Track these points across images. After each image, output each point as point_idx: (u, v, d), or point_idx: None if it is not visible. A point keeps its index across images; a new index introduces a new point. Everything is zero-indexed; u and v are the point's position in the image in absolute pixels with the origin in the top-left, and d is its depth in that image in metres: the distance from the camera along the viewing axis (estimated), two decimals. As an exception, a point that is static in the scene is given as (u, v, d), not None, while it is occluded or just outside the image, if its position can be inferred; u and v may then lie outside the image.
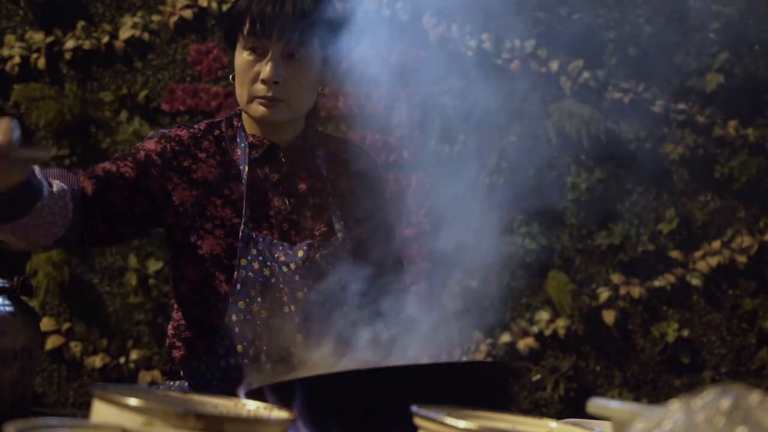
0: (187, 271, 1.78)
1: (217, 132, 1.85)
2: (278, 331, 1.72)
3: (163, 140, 1.80)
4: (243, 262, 1.73)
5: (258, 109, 1.77)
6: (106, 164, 1.76)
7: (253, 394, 1.22)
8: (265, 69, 1.73)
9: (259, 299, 1.72)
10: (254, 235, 1.75)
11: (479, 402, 1.11)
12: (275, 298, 1.73)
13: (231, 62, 1.86)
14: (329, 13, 1.77)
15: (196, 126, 1.86)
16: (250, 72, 1.75)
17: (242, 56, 1.76)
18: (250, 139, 1.83)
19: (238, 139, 1.83)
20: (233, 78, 1.81)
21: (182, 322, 1.79)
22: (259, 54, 1.75)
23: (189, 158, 1.79)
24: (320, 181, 1.85)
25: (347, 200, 1.86)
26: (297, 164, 1.85)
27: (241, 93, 1.78)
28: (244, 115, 1.86)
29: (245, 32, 1.74)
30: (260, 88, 1.75)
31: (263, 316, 1.72)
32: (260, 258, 1.74)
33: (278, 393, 1.19)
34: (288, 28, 1.72)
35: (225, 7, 4.26)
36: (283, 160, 1.84)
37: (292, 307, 1.74)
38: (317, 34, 1.75)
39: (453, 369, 1.28)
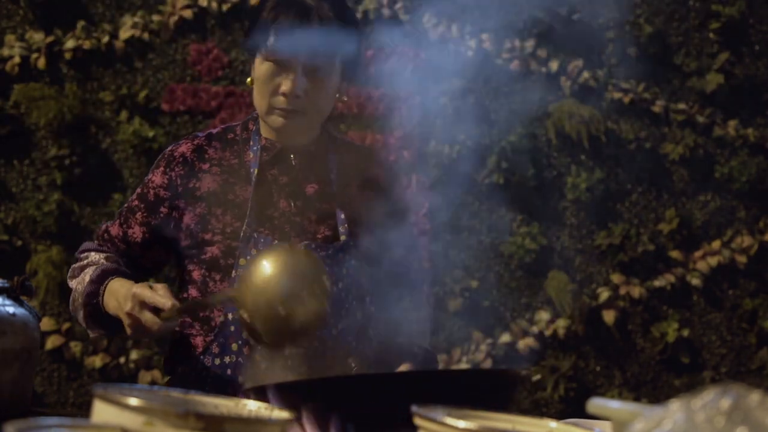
0: (190, 273, 1.81)
1: (231, 135, 1.87)
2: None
3: (168, 168, 1.83)
4: (242, 261, 1.75)
5: (276, 120, 1.78)
6: (116, 229, 1.86)
7: (255, 392, 1.23)
8: (287, 82, 1.74)
9: None
10: (255, 236, 1.76)
11: (480, 406, 1.11)
12: None
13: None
14: (352, 28, 1.78)
15: (203, 133, 1.89)
16: (270, 83, 1.75)
17: (263, 66, 1.76)
18: (263, 142, 1.84)
19: (251, 142, 1.85)
20: (251, 82, 1.81)
21: (187, 320, 1.81)
22: (280, 66, 1.75)
23: (193, 178, 1.81)
24: (328, 186, 1.85)
25: (355, 206, 1.86)
26: (307, 168, 1.85)
27: (260, 102, 1.78)
28: (260, 119, 1.87)
29: (269, 45, 1.73)
30: (280, 100, 1.76)
31: None
32: None
33: (282, 393, 1.20)
34: (313, 44, 1.71)
35: (225, 7, 4.25)
36: (294, 163, 1.84)
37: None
38: (339, 49, 1.76)
39: (454, 376, 1.28)
